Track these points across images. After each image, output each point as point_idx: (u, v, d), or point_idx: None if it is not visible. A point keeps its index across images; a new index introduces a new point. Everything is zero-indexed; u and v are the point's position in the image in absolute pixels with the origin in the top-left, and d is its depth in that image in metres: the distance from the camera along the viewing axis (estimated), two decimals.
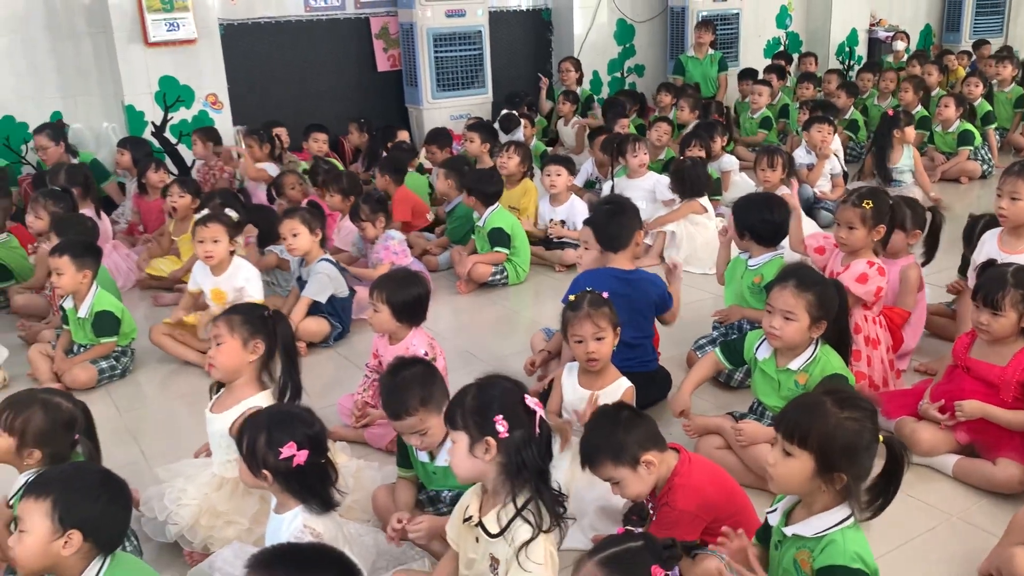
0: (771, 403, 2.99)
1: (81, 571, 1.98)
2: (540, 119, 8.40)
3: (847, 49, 10.65)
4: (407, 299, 3.25)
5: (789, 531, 2.05)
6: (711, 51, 9.00)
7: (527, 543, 2.03)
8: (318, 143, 6.75)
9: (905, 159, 6.36)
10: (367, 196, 5.03)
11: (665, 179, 5.70)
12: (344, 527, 2.43)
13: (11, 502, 2.37)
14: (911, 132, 6.44)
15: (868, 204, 3.51)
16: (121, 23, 6.57)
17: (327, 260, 4.42)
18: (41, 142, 6.11)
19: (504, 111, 7.75)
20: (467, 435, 2.09)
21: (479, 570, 2.17)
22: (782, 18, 10.43)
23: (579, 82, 8.63)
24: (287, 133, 6.99)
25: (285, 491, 2.24)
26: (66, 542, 1.93)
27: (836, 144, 6.58)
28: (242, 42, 7.48)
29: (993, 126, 7.60)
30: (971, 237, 3.97)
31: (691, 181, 5.47)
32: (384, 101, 8.25)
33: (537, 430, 2.09)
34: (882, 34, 10.78)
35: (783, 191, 4.52)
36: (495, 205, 5.13)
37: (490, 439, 2.06)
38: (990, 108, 7.72)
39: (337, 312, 4.42)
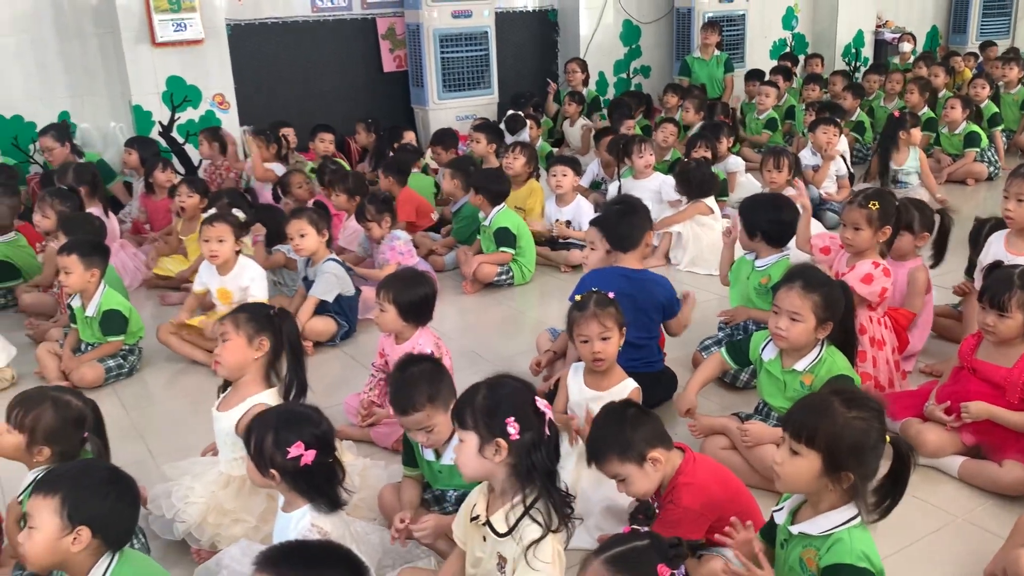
0: (776, 404, 3.00)
1: (90, 568, 1.99)
2: (546, 120, 8.41)
3: (853, 51, 10.64)
4: (413, 299, 3.26)
5: (795, 529, 2.06)
6: (717, 52, 9.00)
7: (536, 542, 2.03)
8: (324, 143, 6.77)
9: (911, 161, 6.35)
10: (372, 196, 5.05)
11: (671, 180, 5.70)
12: (351, 525, 2.43)
13: (21, 499, 2.39)
14: (917, 134, 6.44)
15: (874, 205, 3.51)
16: (129, 23, 6.60)
17: (334, 260, 4.44)
18: (46, 143, 6.14)
19: (510, 112, 7.77)
20: (477, 435, 2.09)
21: (486, 569, 2.17)
22: (788, 19, 10.43)
23: (585, 83, 8.64)
24: (294, 133, 7.01)
25: (293, 490, 2.25)
26: (75, 538, 1.94)
27: (843, 146, 6.58)
28: (249, 42, 7.50)
29: (999, 128, 7.59)
30: (977, 240, 3.97)
31: (697, 182, 5.47)
32: (390, 102, 8.27)
33: (547, 432, 2.10)
34: (888, 35, 10.77)
35: (789, 191, 4.52)
36: (501, 205, 5.15)
37: (501, 441, 2.06)
38: (997, 110, 7.71)
39: (344, 311, 4.44)
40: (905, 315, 3.70)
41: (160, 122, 6.93)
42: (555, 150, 7.65)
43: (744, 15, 9.48)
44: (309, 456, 2.18)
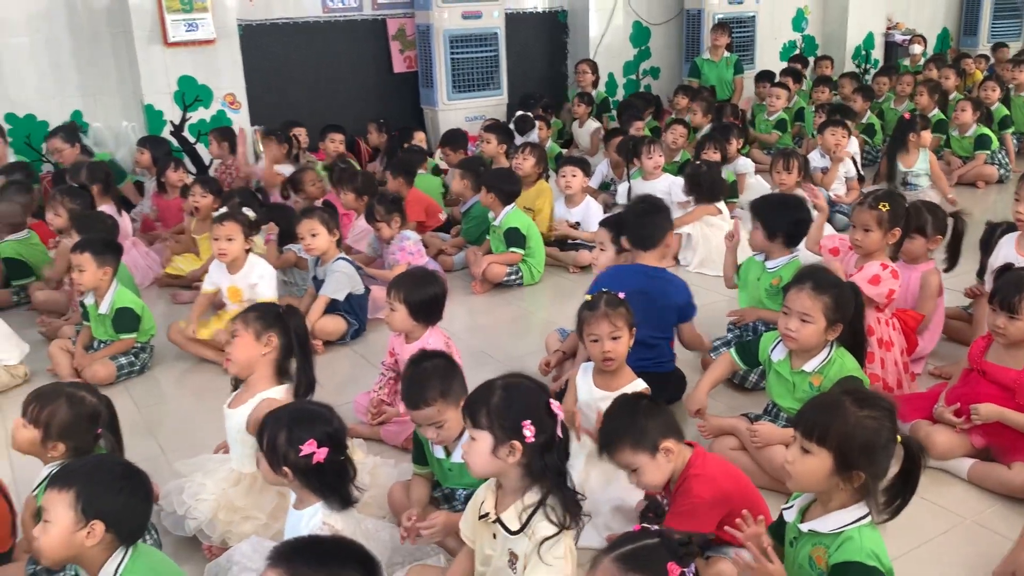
0: (786, 405, 3.00)
1: (103, 562, 2.01)
2: (555, 121, 8.41)
3: (863, 52, 10.61)
4: (424, 298, 3.27)
5: (805, 527, 2.07)
6: (727, 54, 8.98)
7: (549, 539, 2.04)
8: (335, 143, 6.79)
9: (920, 163, 6.34)
10: (382, 197, 5.06)
11: (680, 181, 5.70)
12: (361, 523, 2.46)
13: (36, 493, 2.41)
14: (927, 136, 6.42)
15: (884, 207, 3.52)
16: (141, 23, 6.64)
17: (344, 259, 4.46)
18: (56, 144, 6.18)
19: (519, 112, 7.78)
20: (491, 436, 2.09)
21: (497, 566, 2.18)
22: (798, 21, 10.41)
23: (595, 84, 8.64)
24: (305, 133, 7.03)
25: (305, 488, 2.27)
26: (89, 532, 1.96)
27: (853, 147, 6.57)
28: (260, 42, 7.53)
29: (1010, 130, 7.57)
30: (989, 244, 3.97)
31: (707, 185, 5.47)
32: (400, 102, 8.28)
33: (559, 434, 2.12)
34: (899, 37, 10.74)
35: (797, 191, 4.52)
36: (511, 205, 5.16)
37: (516, 443, 2.07)
38: (1007, 112, 7.69)
39: (354, 310, 4.46)
40: (914, 317, 3.70)
41: (172, 122, 6.96)
42: (564, 151, 7.66)
43: (754, 17, 9.47)
44: (321, 454, 2.20)
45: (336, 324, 4.39)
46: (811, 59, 10.06)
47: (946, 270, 3.92)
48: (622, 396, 2.57)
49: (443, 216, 6.03)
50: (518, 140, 6.80)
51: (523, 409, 2.09)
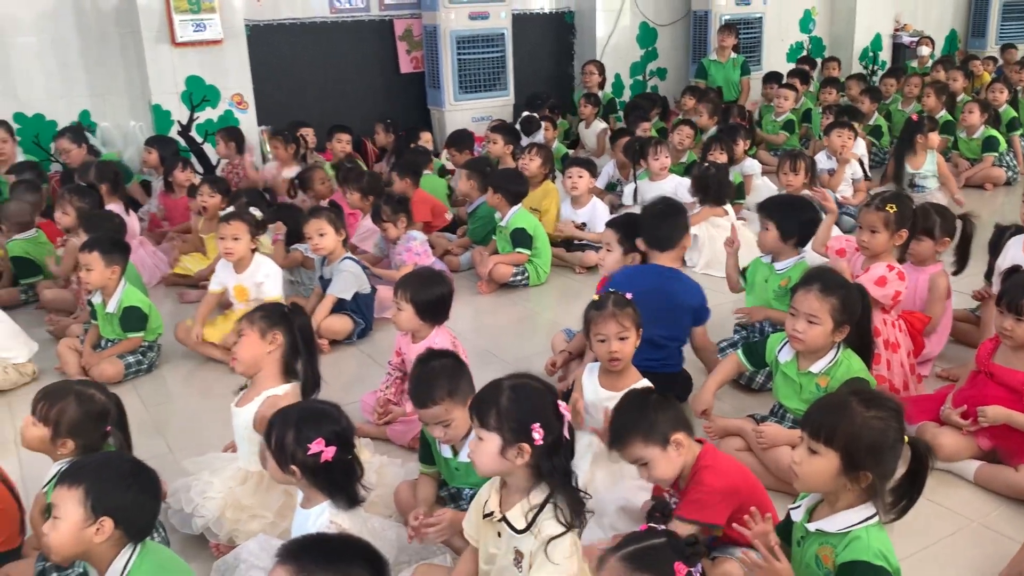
0: (792, 406, 3.00)
1: (112, 559, 2.02)
2: (562, 122, 8.42)
3: (871, 54, 10.59)
4: (430, 298, 3.28)
5: (812, 527, 2.07)
6: (734, 55, 8.98)
7: (555, 538, 2.05)
8: (341, 144, 6.81)
9: (928, 164, 6.33)
10: (388, 197, 5.07)
11: (686, 182, 5.70)
12: (368, 522, 2.46)
13: (45, 490, 2.43)
14: (935, 137, 6.41)
15: (891, 208, 3.51)
16: (149, 23, 6.67)
17: (350, 258, 4.47)
18: (63, 145, 6.21)
19: (524, 113, 7.79)
20: (500, 437, 2.09)
21: (501, 564, 2.19)
22: (805, 22, 10.40)
23: (601, 85, 8.65)
24: (313, 134, 7.05)
25: (312, 486, 2.28)
26: (98, 529, 1.97)
27: (860, 149, 6.56)
28: (267, 43, 7.55)
29: (1018, 132, 7.54)
30: (997, 246, 3.96)
31: (714, 187, 5.46)
32: (407, 103, 8.30)
33: (566, 435, 2.12)
34: (907, 39, 10.72)
35: (804, 193, 4.52)
36: (518, 206, 5.16)
37: (525, 445, 2.07)
38: (1015, 114, 7.67)
39: (360, 309, 4.47)
40: (920, 318, 3.70)
41: (179, 121, 6.99)
42: (571, 152, 7.66)
43: (761, 18, 9.46)
44: (329, 453, 2.21)
45: (343, 323, 4.40)
46: (818, 60, 10.05)
47: (955, 273, 3.91)
48: (632, 391, 2.58)
49: (449, 216, 6.04)
50: (524, 141, 6.81)
51: (532, 411, 2.09)
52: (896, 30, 10.82)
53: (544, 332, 4.42)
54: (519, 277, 5.15)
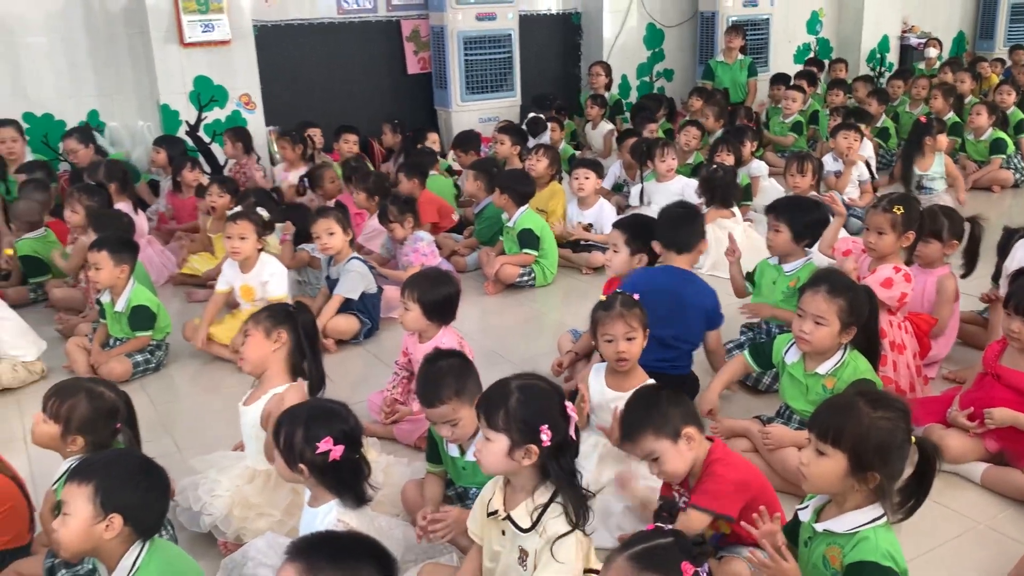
0: (799, 407, 3.01)
1: (121, 555, 2.03)
2: (569, 123, 8.42)
3: (878, 56, 10.57)
4: (437, 298, 3.29)
5: (820, 527, 2.07)
6: (741, 56, 8.98)
7: (561, 537, 2.06)
8: (348, 144, 6.83)
9: (936, 166, 6.32)
10: (395, 198, 5.08)
11: (693, 183, 5.70)
12: (375, 521, 2.47)
13: (55, 487, 2.44)
14: (943, 139, 6.40)
15: (899, 210, 3.51)
16: (158, 24, 6.70)
17: (357, 258, 4.49)
18: (70, 145, 6.23)
19: (531, 114, 7.79)
20: (508, 439, 2.09)
21: (506, 563, 2.20)
22: (813, 24, 10.39)
23: (608, 87, 8.65)
24: (320, 134, 7.07)
25: (320, 485, 2.28)
26: (107, 525, 1.98)
27: (868, 151, 6.54)
28: (275, 43, 7.58)
29: None
30: (1006, 249, 3.95)
31: (721, 189, 5.46)
32: (414, 103, 8.32)
33: (572, 436, 2.13)
34: (914, 41, 10.70)
35: (812, 195, 4.52)
36: (525, 206, 5.17)
37: (533, 447, 2.08)
38: (1023, 116, 7.64)
39: (367, 309, 4.48)
40: (927, 320, 3.69)
41: (187, 121, 7.01)
42: (577, 153, 7.66)
43: (768, 19, 9.46)
44: (338, 451, 2.21)
45: (349, 323, 4.42)
46: (825, 62, 10.03)
47: (963, 276, 3.90)
48: (643, 387, 2.59)
49: (456, 217, 6.05)
50: (530, 142, 6.82)
51: (541, 413, 2.09)
52: (904, 32, 10.81)
53: (550, 333, 4.43)
54: (525, 278, 5.15)
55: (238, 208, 4.72)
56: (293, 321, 2.93)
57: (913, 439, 2.02)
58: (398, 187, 5.67)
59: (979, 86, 9.26)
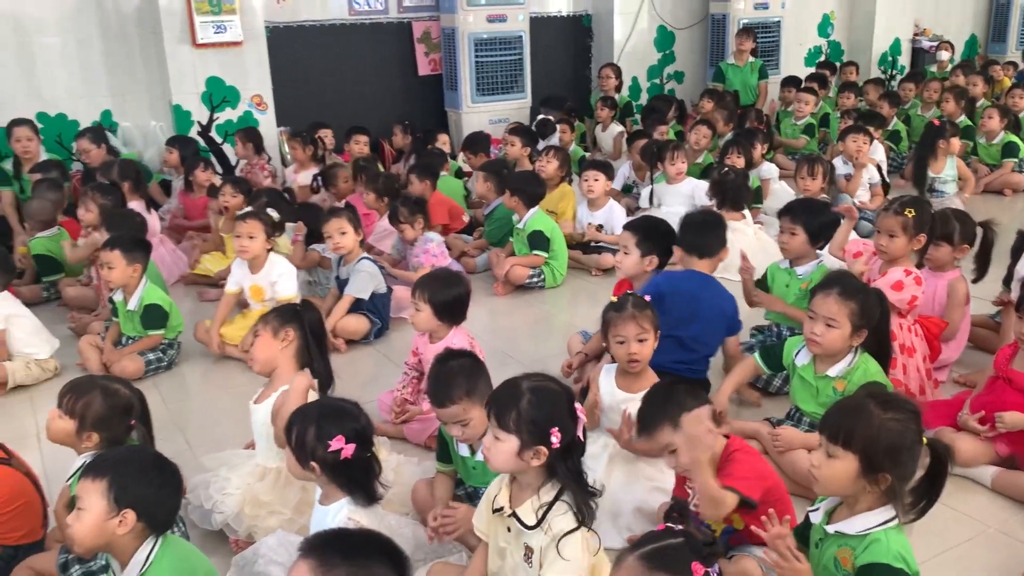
0: (809, 409, 3.01)
1: (134, 551, 2.05)
2: (579, 124, 8.43)
3: (890, 59, 10.54)
4: (448, 299, 3.30)
5: (831, 529, 2.07)
6: (751, 59, 8.96)
7: (567, 534, 2.07)
8: (359, 145, 6.85)
9: (948, 169, 6.30)
10: (405, 199, 5.10)
11: (703, 184, 5.69)
12: (385, 519, 2.48)
13: (70, 482, 2.46)
14: (956, 142, 6.38)
15: (910, 213, 3.51)
16: (170, 24, 6.74)
17: (367, 258, 4.50)
18: (83, 145, 6.27)
19: (540, 116, 7.80)
20: (518, 440, 2.09)
21: (512, 560, 2.20)
22: (824, 27, 10.37)
23: (618, 89, 8.65)
24: (331, 135, 7.10)
25: (331, 483, 2.30)
26: (121, 521, 2.00)
27: (879, 154, 6.53)
28: (287, 44, 7.61)
29: None
30: (1020, 253, 3.93)
31: (732, 192, 5.45)
32: (424, 105, 8.34)
33: (580, 437, 2.14)
34: (926, 44, 10.66)
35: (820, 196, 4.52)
36: (535, 208, 5.18)
37: (542, 448, 2.09)
38: None
39: (377, 309, 4.50)
40: (937, 323, 3.68)
41: (199, 122, 7.05)
42: (587, 155, 7.67)
43: (779, 22, 9.44)
44: (349, 450, 2.23)
45: (359, 323, 4.43)
46: (837, 65, 10.01)
47: (975, 280, 3.88)
48: (660, 383, 2.60)
49: (466, 218, 6.06)
50: (540, 144, 6.82)
51: (552, 415, 2.10)
52: (915, 35, 10.77)
53: (560, 334, 4.43)
54: (535, 279, 5.16)
55: (249, 208, 4.74)
56: (300, 319, 2.95)
57: (925, 440, 2.02)
58: (409, 188, 5.69)
59: (991, 89, 9.23)
